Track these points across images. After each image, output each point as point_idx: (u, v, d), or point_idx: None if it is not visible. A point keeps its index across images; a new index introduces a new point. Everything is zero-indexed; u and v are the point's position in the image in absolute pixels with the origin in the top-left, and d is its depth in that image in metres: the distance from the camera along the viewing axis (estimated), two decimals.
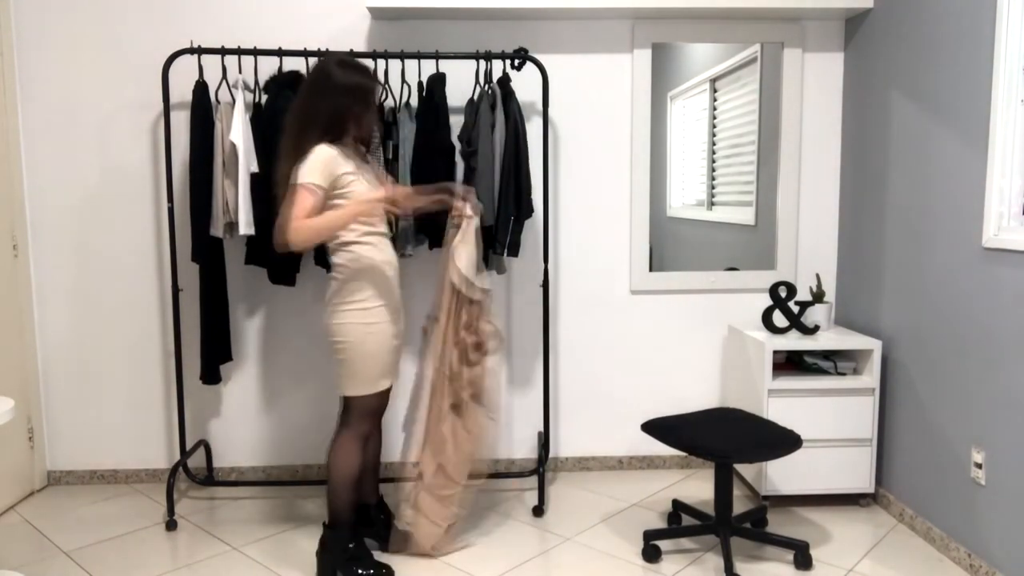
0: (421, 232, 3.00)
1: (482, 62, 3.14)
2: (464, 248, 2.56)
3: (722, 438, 2.52)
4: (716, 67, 3.36)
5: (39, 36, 3.16)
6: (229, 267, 3.23)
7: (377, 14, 3.14)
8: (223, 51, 2.89)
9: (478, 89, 3.00)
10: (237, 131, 2.79)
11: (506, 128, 2.92)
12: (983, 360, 2.46)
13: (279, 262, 2.99)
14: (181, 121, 3.17)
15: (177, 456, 3.36)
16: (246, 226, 2.83)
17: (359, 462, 2.47)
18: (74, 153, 3.21)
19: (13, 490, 3.13)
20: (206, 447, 3.33)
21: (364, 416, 2.47)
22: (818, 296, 3.22)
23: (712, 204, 3.42)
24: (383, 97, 3.07)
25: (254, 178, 2.84)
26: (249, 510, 3.06)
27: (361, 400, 2.45)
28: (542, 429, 3.32)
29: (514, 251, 2.99)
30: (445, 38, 3.24)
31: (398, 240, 2.97)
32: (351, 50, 3.09)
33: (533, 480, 3.31)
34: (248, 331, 3.32)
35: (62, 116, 3.19)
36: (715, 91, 3.38)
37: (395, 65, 3.18)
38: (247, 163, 2.81)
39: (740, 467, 3.31)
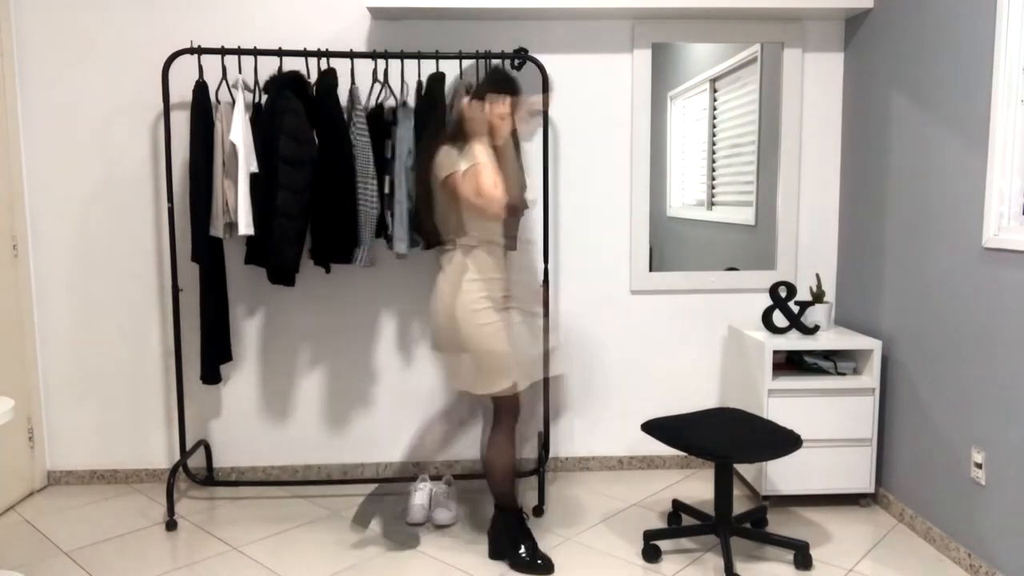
0: (416, 231, 3.00)
1: (482, 62, 3.14)
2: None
3: (722, 438, 2.52)
4: (716, 67, 3.36)
5: (39, 36, 3.16)
6: (229, 267, 3.23)
7: (377, 14, 3.14)
8: (223, 51, 2.89)
9: (474, 88, 3.00)
10: (237, 131, 2.79)
11: None
12: (983, 360, 2.46)
13: (278, 263, 3.00)
14: (181, 121, 3.17)
15: (177, 456, 3.36)
16: (246, 226, 2.83)
17: (514, 454, 2.58)
18: (74, 153, 3.21)
19: (13, 490, 3.13)
20: (206, 447, 3.33)
21: (514, 410, 2.57)
22: (818, 296, 3.22)
23: (712, 204, 3.42)
24: (383, 97, 3.08)
25: (254, 178, 2.84)
26: (249, 510, 3.06)
27: (511, 398, 2.54)
28: (542, 429, 3.32)
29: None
30: (445, 38, 3.24)
31: (394, 240, 2.97)
32: (351, 50, 3.08)
33: (533, 480, 3.30)
34: (248, 331, 3.32)
35: (62, 116, 3.20)
36: (715, 91, 3.38)
37: (395, 65, 3.18)
38: (247, 163, 2.81)
39: (740, 467, 3.31)
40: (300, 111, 2.81)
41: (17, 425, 3.17)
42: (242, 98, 2.81)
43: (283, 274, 3.03)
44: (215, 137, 2.88)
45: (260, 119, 2.88)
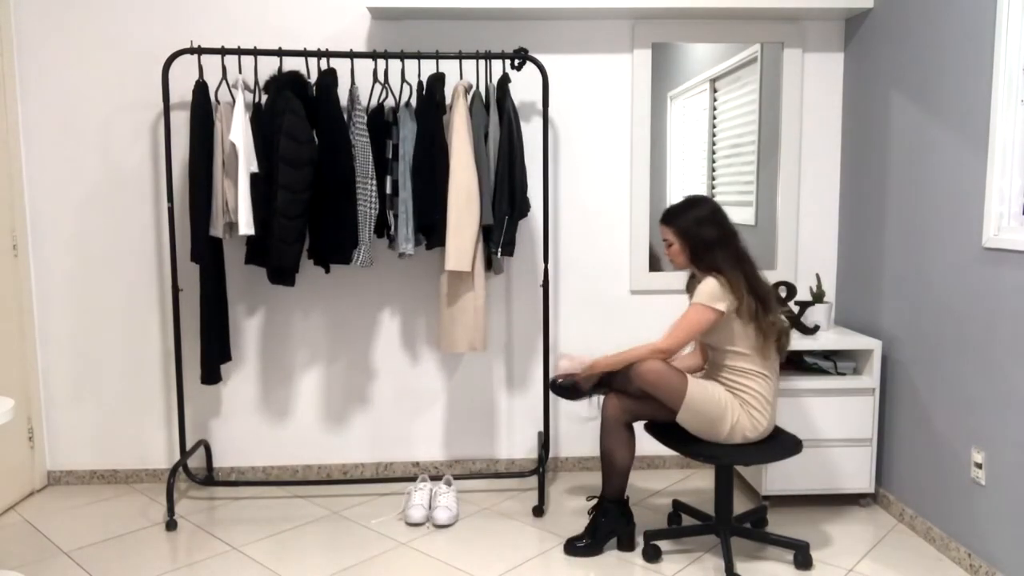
0: (420, 232, 3.00)
1: (482, 62, 3.14)
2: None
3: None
4: (716, 67, 3.36)
5: (39, 36, 3.16)
6: (229, 267, 3.23)
7: (377, 14, 3.14)
8: (223, 51, 2.89)
9: (473, 89, 3.00)
10: (237, 131, 2.79)
11: (500, 127, 2.93)
12: (983, 360, 2.46)
13: (278, 263, 3.00)
14: (181, 121, 3.17)
15: (177, 456, 3.36)
16: (246, 226, 2.83)
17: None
18: (74, 153, 3.21)
19: (13, 490, 3.13)
20: (206, 447, 3.33)
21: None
22: (818, 296, 3.22)
23: None
24: (383, 97, 3.08)
25: (254, 178, 2.84)
26: (249, 510, 3.06)
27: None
28: (542, 429, 3.32)
29: (508, 250, 2.98)
30: (445, 38, 3.24)
31: (398, 240, 2.97)
32: (351, 50, 3.08)
33: (533, 480, 3.30)
34: (248, 331, 3.32)
35: (62, 116, 3.20)
36: (715, 91, 3.38)
37: (395, 65, 3.18)
38: (247, 163, 2.81)
39: (740, 467, 3.31)
40: (300, 111, 2.81)
41: (17, 425, 3.17)
42: (242, 98, 2.81)
43: (283, 274, 3.03)
44: (215, 137, 2.88)
45: (260, 119, 2.88)
